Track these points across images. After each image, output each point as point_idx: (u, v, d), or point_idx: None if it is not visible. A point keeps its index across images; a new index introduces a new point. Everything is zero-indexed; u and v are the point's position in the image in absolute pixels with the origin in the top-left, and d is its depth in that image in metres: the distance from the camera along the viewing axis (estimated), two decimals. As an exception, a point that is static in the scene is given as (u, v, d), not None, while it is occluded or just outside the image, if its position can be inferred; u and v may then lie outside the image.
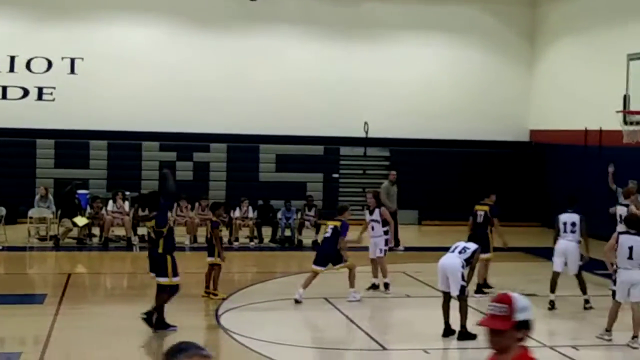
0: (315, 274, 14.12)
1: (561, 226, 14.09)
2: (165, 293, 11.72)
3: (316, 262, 14.24)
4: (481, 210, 15.30)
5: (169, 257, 11.73)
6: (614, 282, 11.82)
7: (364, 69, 25.72)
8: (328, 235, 14.42)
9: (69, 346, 11.22)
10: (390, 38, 26.07)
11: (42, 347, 10.90)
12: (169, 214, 20.71)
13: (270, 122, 24.89)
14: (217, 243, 14.33)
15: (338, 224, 14.41)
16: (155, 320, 11.69)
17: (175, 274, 11.74)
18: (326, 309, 13.75)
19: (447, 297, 11.91)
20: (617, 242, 11.65)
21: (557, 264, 14.00)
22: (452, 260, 11.83)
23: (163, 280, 11.68)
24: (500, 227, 15.25)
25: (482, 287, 14.98)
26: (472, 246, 12.07)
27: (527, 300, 4.44)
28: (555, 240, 14.17)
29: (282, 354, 10.94)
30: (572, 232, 13.99)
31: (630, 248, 11.48)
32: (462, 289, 11.68)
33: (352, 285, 14.27)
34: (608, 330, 11.78)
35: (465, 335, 11.67)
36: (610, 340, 11.70)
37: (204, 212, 20.86)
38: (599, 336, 11.83)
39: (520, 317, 4.37)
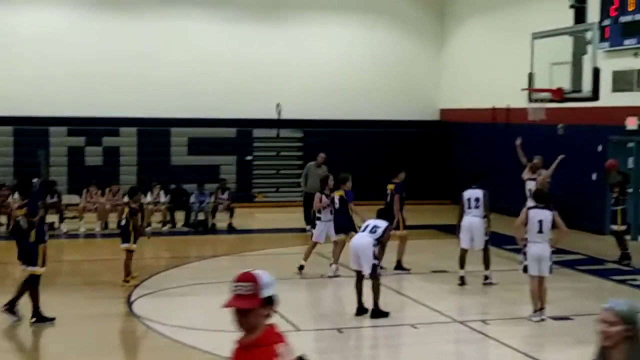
0: (337, 244, 14.70)
1: (465, 202, 14.37)
2: (35, 283, 11.40)
3: (337, 232, 14.72)
4: (389, 189, 15.53)
5: (40, 247, 11.45)
6: (525, 255, 12.05)
7: (275, 50, 25.64)
8: (337, 206, 14.78)
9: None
10: (301, 19, 26.05)
11: (-54, 341, 10.58)
12: (82, 199, 20.47)
13: (181, 105, 24.60)
14: (138, 229, 14.18)
15: (342, 193, 14.82)
16: (33, 313, 11.34)
17: (44, 263, 11.49)
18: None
19: (359, 276, 12.02)
20: (527, 216, 11.87)
21: (464, 240, 14.28)
22: (363, 240, 11.93)
23: (34, 269, 11.34)
24: (404, 205, 15.45)
25: (401, 265, 15.22)
26: (382, 224, 12.19)
27: (270, 276, 4.37)
28: (460, 217, 14.43)
29: (196, 339, 10.87)
30: (477, 207, 14.29)
31: (540, 222, 11.73)
32: (374, 268, 11.79)
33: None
34: (537, 309, 11.85)
35: (377, 313, 11.81)
36: (543, 319, 11.79)
37: (114, 197, 20.56)
38: (529, 318, 11.81)
39: (265, 293, 4.29)
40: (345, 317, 12.06)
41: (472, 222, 14.25)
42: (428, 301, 13.01)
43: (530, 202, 13.55)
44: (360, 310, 11.94)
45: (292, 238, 19.73)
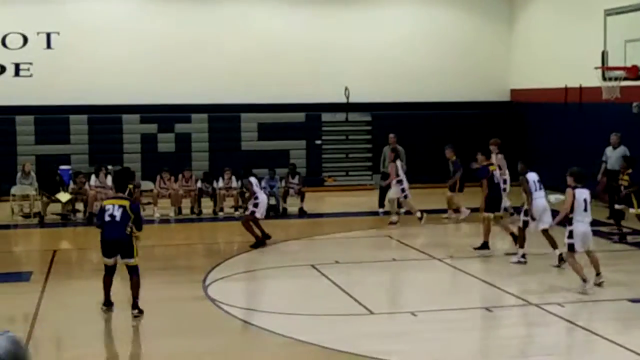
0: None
1: (532, 184, 14.26)
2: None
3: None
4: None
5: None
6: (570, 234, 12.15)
7: (342, 33, 25.63)
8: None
9: (56, 323, 11.23)
10: (367, 0, 25.95)
11: (30, 325, 10.89)
12: (155, 186, 20.75)
13: (250, 90, 24.80)
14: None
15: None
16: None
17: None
18: (313, 275, 13.81)
19: None
20: (574, 197, 12.14)
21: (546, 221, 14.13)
22: None
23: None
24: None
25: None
26: None
27: None
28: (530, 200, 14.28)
29: (269, 322, 10.99)
30: (541, 189, 14.46)
31: (585, 200, 12.15)
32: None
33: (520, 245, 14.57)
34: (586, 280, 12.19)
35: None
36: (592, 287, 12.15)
37: (187, 183, 20.86)
38: (581, 291, 12.08)
39: None
40: (419, 301, 12.07)
41: (542, 203, 14.17)
42: (501, 284, 12.91)
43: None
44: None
45: (363, 221, 19.77)
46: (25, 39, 23.97)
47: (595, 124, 21.55)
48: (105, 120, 24.07)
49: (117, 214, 11.15)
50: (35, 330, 10.71)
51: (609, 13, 18.84)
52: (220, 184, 20.91)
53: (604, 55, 18.87)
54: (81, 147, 23.89)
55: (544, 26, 25.10)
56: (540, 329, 10.95)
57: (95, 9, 24.40)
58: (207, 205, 20.78)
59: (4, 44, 23.88)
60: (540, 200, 14.18)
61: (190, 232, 19.06)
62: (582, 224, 12.13)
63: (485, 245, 15.15)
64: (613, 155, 19.19)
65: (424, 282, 13.61)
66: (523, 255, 14.33)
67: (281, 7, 25.54)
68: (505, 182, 17.67)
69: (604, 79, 18.95)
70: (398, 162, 18.69)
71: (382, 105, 25.67)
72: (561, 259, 13.89)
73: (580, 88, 22.65)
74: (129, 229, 11.19)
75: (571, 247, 12.16)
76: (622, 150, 19.22)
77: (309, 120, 25.42)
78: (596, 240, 15.58)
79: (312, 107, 25.36)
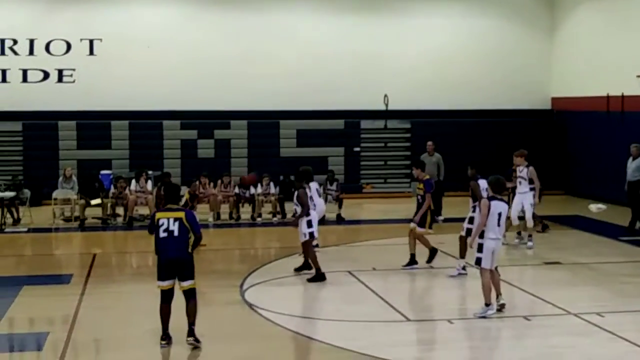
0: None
1: (483, 192, 13.96)
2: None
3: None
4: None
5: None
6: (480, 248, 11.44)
7: (383, 41, 25.63)
8: None
9: (95, 325, 11.33)
10: (408, 9, 25.93)
11: (70, 327, 11.02)
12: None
13: (290, 97, 24.91)
14: None
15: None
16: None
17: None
18: (350, 282, 13.80)
19: None
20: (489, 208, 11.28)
21: None
22: None
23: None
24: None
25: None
26: None
27: None
28: None
29: (306, 327, 11.01)
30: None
31: (499, 215, 11.32)
32: None
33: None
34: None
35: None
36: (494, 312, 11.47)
37: (226, 189, 20.98)
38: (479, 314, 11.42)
39: None
40: (456, 309, 11.99)
41: None
42: (540, 293, 12.78)
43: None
44: None
45: (401, 229, 19.65)
46: (69, 46, 24.32)
47: (637, 132, 21.27)
48: (146, 126, 24.32)
49: (175, 228, 9.95)
50: (74, 332, 10.82)
51: (652, 20, 18.63)
52: (259, 190, 20.99)
53: (646, 63, 18.65)
54: (122, 152, 24.19)
55: (586, 34, 24.86)
56: (579, 339, 10.80)
57: (138, 16, 24.69)
58: (246, 211, 20.90)
59: (47, 50, 24.26)
60: None
61: (229, 237, 19.15)
62: (492, 241, 11.32)
63: (413, 260, 14.80)
64: (632, 166, 18.87)
65: (461, 290, 13.52)
66: (463, 267, 14.02)
67: (321, 16, 25.60)
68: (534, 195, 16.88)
69: (647, 87, 18.73)
70: None
71: (422, 113, 25.61)
72: (463, 268, 13.95)
73: (622, 96, 22.39)
74: (190, 248, 10.07)
75: (478, 262, 11.41)
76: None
77: (347, 127, 25.44)
78: (621, 247, 15.58)
79: (351, 114, 25.39)
